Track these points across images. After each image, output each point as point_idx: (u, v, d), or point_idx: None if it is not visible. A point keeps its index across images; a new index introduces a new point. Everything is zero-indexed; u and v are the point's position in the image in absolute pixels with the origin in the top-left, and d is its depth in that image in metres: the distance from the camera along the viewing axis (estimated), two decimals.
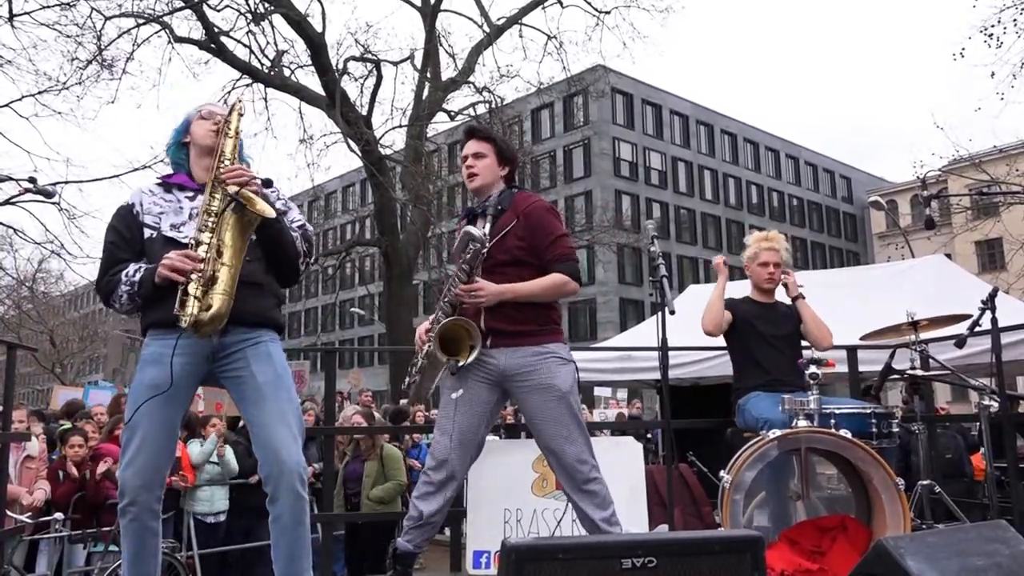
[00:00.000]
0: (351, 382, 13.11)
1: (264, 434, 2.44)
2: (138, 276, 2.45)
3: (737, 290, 4.18)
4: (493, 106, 16.36)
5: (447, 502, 2.94)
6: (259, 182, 2.50)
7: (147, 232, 2.57)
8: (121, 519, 2.41)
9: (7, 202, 13.12)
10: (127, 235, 2.57)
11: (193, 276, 2.33)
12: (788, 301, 4.01)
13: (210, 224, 2.41)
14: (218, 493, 5.65)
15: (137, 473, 2.39)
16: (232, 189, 2.37)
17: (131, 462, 2.40)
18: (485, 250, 2.84)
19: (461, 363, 2.84)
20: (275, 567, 2.47)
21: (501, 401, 3.01)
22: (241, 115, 2.67)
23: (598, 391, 13.29)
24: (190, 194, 2.62)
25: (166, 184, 2.68)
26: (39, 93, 14.22)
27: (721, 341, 3.97)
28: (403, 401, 8.85)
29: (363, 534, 6.08)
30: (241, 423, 6.32)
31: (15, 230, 17.28)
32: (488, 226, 2.93)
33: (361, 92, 15.82)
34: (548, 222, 2.96)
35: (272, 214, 2.41)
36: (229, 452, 5.69)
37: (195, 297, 2.32)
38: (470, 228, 2.87)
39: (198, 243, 2.40)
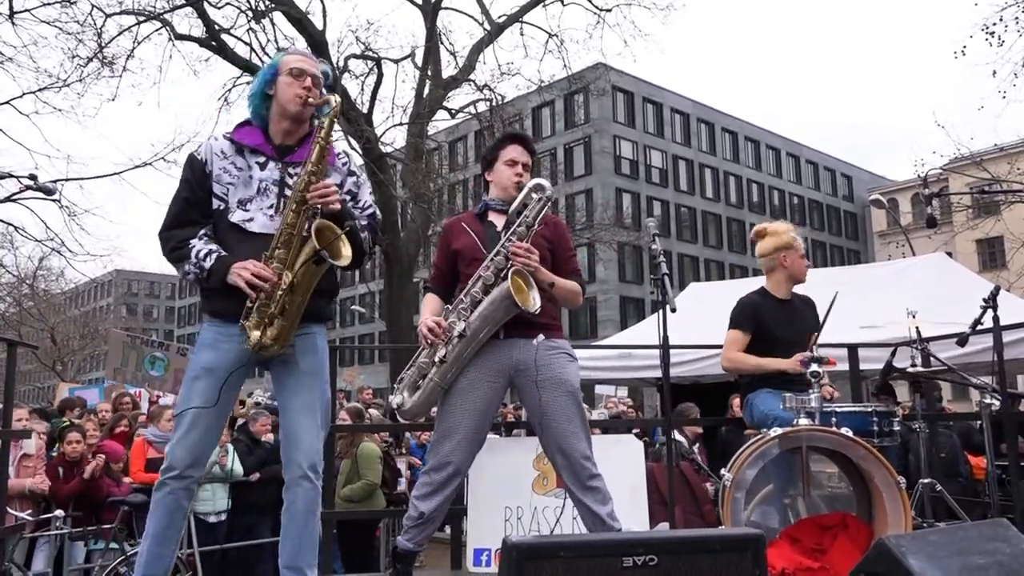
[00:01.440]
0: (347, 380, 13.10)
1: (289, 421, 2.52)
2: (208, 263, 2.45)
3: (741, 288, 4.14)
4: (494, 104, 16.34)
5: (448, 500, 2.92)
6: (337, 199, 2.43)
7: (215, 202, 2.54)
8: (156, 492, 2.46)
9: (8, 199, 13.13)
10: (199, 194, 2.54)
11: (263, 297, 2.38)
12: (803, 289, 3.89)
13: (290, 241, 2.41)
14: (219, 492, 5.64)
15: (187, 449, 2.44)
16: (311, 246, 2.34)
17: (182, 439, 2.44)
18: (551, 203, 2.85)
19: (532, 310, 2.73)
20: (280, 556, 2.49)
21: (504, 393, 2.99)
22: (335, 120, 2.53)
23: (599, 389, 13.27)
24: (261, 159, 2.54)
25: (238, 145, 2.57)
26: (40, 90, 14.24)
27: (722, 339, 3.92)
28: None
29: (344, 532, 6.04)
30: (241, 421, 6.31)
31: (16, 227, 17.33)
32: (502, 225, 2.93)
33: (362, 90, 15.82)
34: (569, 236, 3.13)
35: (349, 258, 2.40)
36: (234, 460, 5.67)
37: (264, 322, 2.39)
38: (541, 180, 2.86)
39: (272, 256, 2.40)
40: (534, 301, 2.75)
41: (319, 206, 2.40)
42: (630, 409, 12.01)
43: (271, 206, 2.52)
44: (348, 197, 2.62)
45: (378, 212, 2.72)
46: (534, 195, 2.84)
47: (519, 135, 3.18)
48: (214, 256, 2.45)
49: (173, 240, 2.50)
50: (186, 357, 7.39)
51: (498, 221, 2.99)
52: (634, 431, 5.69)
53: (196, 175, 2.54)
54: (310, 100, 2.51)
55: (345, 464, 6.15)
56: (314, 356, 2.56)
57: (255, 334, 2.38)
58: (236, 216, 2.50)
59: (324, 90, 2.60)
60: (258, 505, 5.67)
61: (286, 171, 2.54)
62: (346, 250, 2.41)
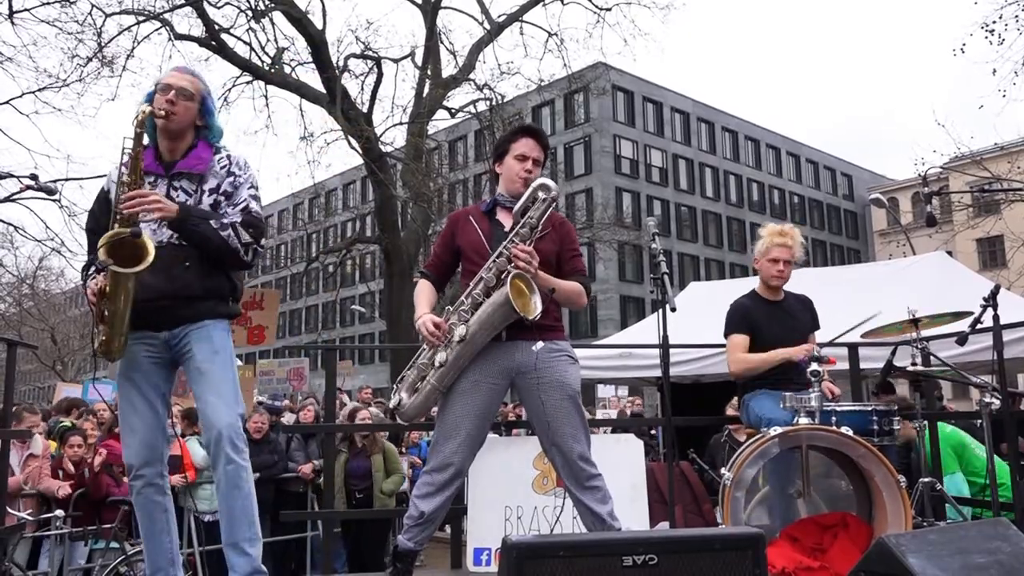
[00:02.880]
0: (342, 370, 13.04)
1: (201, 405, 2.60)
2: (86, 282, 2.59)
3: (741, 287, 4.14)
4: (494, 103, 16.32)
5: (448, 499, 2.91)
6: (162, 207, 2.47)
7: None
8: (131, 496, 2.64)
9: (8, 199, 13.12)
10: (103, 222, 2.63)
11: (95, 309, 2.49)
12: (797, 292, 3.92)
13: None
14: None
15: (133, 453, 2.59)
16: (101, 243, 2.38)
17: (126, 444, 2.62)
18: (555, 204, 2.82)
19: (532, 316, 2.71)
20: (221, 533, 2.60)
21: (505, 394, 2.98)
22: (138, 132, 2.51)
23: (602, 391, 13.27)
24: (152, 179, 2.62)
25: None
26: (39, 90, 14.23)
27: (722, 339, 3.93)
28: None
29: (367, 530, 6.14)
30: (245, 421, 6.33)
31: (16, 227, 17.35)
32: (509, 223, 2.90)
33: (362, 89, 15.79)
34: (575, 236, 3.08)
35: (149, 260, 2.38)
36: None
37: (101, 328, 2.50)
38: (546, 180, 2.82)
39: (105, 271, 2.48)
40: (535, 307, 2.72)
41: (136, 214, 2.45)
42: (637, 404, 12.01)
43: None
44: (223, 198, 2.69)
45: (253, 205, 2.71)
46: (540, 194, 2.79)
47: (532, 129, 3.08)
48: (91, 275, 2.59)
49: (82, 270, 2.67)
50: None
51: (506, 220, 2.95)
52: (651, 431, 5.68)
53: (99, 204, 2.70)
54: (157, 112, 2.55)
55: (378, 460, 6.36)
56: (208, 343, 2.61)
57: (97, 340, 2.51)
58: None
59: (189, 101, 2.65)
60: (259, 504, 5.66)
61: (170, 185, 2.65)
62: (148, 253, 2.39)
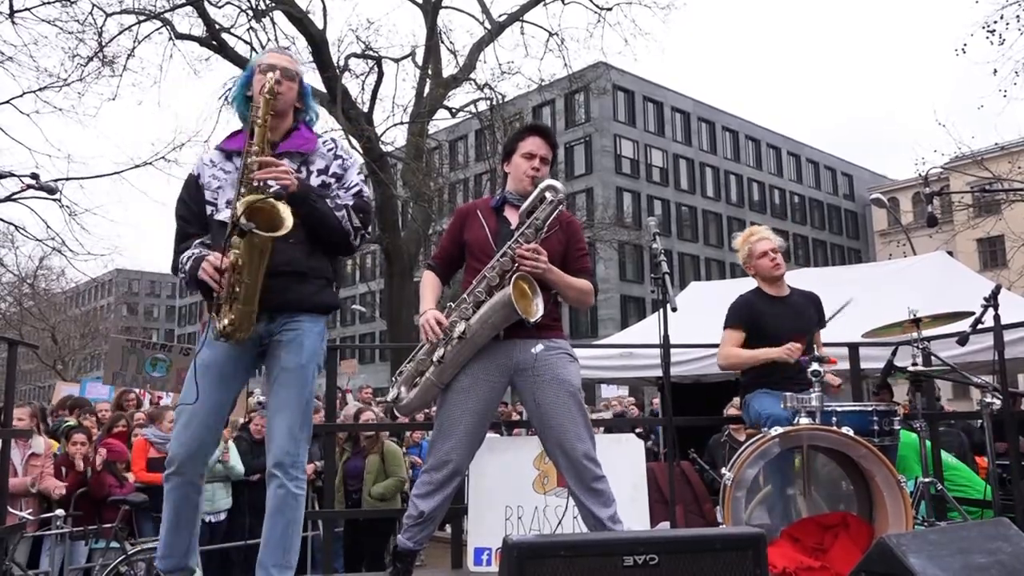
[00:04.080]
0: (345, 370, 13.00)
1: (268, 419, 2.56)
2: (188, 265, 2.51)
3: (741, 287, 4.14)
4: (494, 103, 16.32)
5: (448, 499, 2.90)
6: (290, 179, 2.41)
7: (208, 208, 2.60)
8: (165, 486, 2.54)
9: (8, 199, 13.12)
10: (195, 208, 2.62)
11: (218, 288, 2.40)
12: (802, 288, 3.91)
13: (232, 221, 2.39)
14: (220, 492, 5.65)
15: (181, 445, 2.49)
16: (241, 208, 2.30)
17: (177, 436, 2.52)
18: (563, 205, 2.81)
19: (533, 319, 2.72)
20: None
21: (504, 392, 2.97)
22: (268, 99, 2.47)
23: (606, 392, 13.26)
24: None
25: (227, 151, 2.63)
26: (40, 90, 14.23)
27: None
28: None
29: (363, 531, 6.10)
30: (250, 421, 6.32)
31: (16, 227, 17.36)
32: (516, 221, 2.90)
33: (362, 89, 15.79)
34: (582, 236, 3.08)
35: (288, 227, 2.33)
36: (235, 456, 5.68)
37: (225, 305, 2.40)
38: (553, 181, 2.81)
39: (228, 244, 2.38)
40: (536, 309, 2.73)
41: (265, 182, 2.40)
42: (633, 406, 11.99)
43: None
44: (333, 180, 2.65)
45: (366, 190, 2.70)
46: (547, 195, 2.79)
47: (540, 127, 3.08)
48: (194, 259, 2.50)
49: (175, 258, 2.60)
50: (188, 356, 7.39)
51: (513, 218, 2.95)
52: (636, 430, 5.69)
53: (189, 189, 2.64)
54: (273, 89, 2.51)
55: (373, 462, 6.22)
56: (297, 354, 2.53)
57: (221, 322, 2.40)
58: (222, 214, 2.56)
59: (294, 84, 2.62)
60: (259, 505, 5.63)
61: None
62: (285, 220, 2.34)
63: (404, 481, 6.34)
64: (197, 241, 2.58)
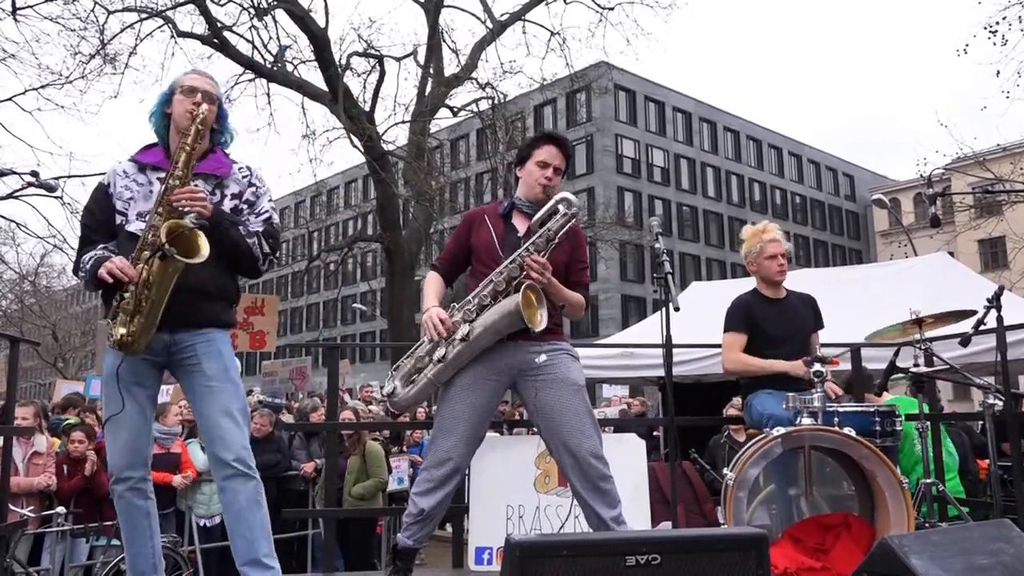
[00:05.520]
0: (341, 369, 13.05)
1: (209, 425, 2.60)
2: (89, 264, 2.55)
3: (742, 287, 4.14)
4: (496, 102, 16.31)
5: (448, 496, 2.90)
6: (206, 206, 2.48)
7: (118, 218, 2.65)
8: (111, 496, 2.62)
9: (10, 196, 13.05)
10: (100, 218, 2.67)
11: (126, 294, 2.44)
12: (800, 290, 3.91)
13: (150, 240, 2.46)
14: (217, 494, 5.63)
15: (117, 455, 2.58)
16: (164, 231, 2.37)
17: (110, 446, 2.60)
18: (575, 219, 2.84)
19: (537, 329, 2.74)
20: (236, 556, 2.57)
21: (505, 392, 2.97)
22: (199, 128, 2.56)
23: (607, 391, 13.24)
24: (161, 175, 2.62)
25: (140, 164, 2.69)
26: (42, 87, 14.25)
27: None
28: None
29: (348, 530, 6.06)
30: None
31: (18, 224, 17.33)
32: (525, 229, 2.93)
33: (364, 88, 15.77)
34: (586, 249, 3.10)
35: (204, 256, 2.41)
36: None
37: (126, 316, 2.44)
38: (568, 194, 2.83)
39: (138, 258, 2.45)
40: (541, 319, 2.75)
41: (184, 208, 2.45)
42: (641, 404, 11.98)
43: None
44: (246, 206, 2.74)
45: (275, 217, 2.80)
46: (561, 207, 2.80)
47: (557, 137, 3.08)
48: (94, 260, 2.55)
49: (77, 260, 2.65)
50: None
51: (520, 226, 2.96)
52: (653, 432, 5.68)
53: (98, 199, 2.69)
54: (207, 120, 2.59)
55: (353, 462, 6.18)
56: (219, 362, 2.62)
57: (119, 331, 2.45)
58: (133, 226, 2.62)
59: (210, 106, 2.67)
60: None
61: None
62: (202, 248, 2.42)
63: (384, 482, 6.29)
64: (101, 246, 2.62)
